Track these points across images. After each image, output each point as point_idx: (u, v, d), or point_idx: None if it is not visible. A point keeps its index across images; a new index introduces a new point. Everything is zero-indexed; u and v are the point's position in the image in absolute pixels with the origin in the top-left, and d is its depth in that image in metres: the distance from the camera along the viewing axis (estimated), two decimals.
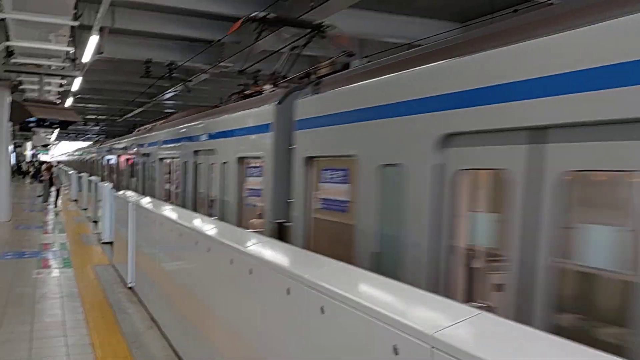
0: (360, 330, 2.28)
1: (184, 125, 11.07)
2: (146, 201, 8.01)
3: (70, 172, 29.95)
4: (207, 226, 5.00)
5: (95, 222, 15.72)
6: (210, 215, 8.33)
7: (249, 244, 3.81)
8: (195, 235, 4.78)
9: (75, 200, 24.15)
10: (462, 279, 3.81)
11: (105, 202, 12.66)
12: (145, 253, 7.23)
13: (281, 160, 6.38)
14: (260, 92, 8.37)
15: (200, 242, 4.60)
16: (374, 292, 2.61)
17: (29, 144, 58.06)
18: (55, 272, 9.29)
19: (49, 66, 13.46)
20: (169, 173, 12.45)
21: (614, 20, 2.75)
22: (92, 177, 19.49)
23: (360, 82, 5.06)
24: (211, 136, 9.08)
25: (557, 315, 3.02)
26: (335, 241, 5.43)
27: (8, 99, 15.73)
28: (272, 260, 3.34)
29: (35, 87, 15.67)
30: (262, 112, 7.00)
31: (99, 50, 12.12)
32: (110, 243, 11.56)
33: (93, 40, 10.95)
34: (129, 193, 9.62)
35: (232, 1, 12.89)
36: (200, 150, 9.68)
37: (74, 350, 5.59)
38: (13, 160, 55.05)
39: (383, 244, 4.52)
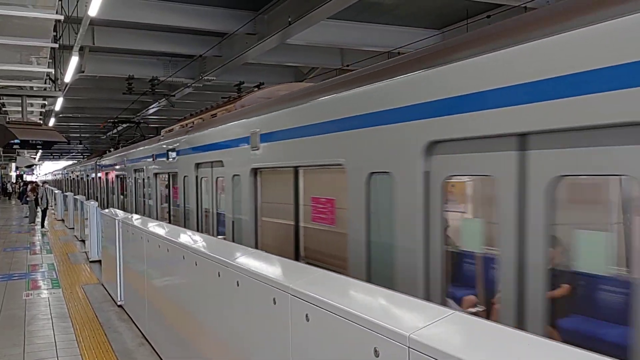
0: (343, 335, 2.36)
1: (80, 164, 35.22)
2: (133, 218, 8.05)
3: (56, 192, 30.02)
4: (193, 240, 5.06)
5: (83, 240, 15.65)
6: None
7: (235, 256, 3.88)
8: (182, 250, 4.83)
9: (62, 219, 24.01)
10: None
11: (92, 221, 12.64)
12: (134, 270, 7.26)
13: (97, 180, 23.73)
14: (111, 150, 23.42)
15: (187, 256, 4.66)
16: (355, 297, 2.70)
17: (13, 165, 57.51)
18: (45, 293, 9.26)
19: (31, 87, 13.45)
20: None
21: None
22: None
23: (110, 155, 21.46)
24: (81, 171, 30.97)
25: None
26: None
27: None
28: (258, 271, 3.36)
29: (18, 109, 15.62)
30: (93, 164, 24.88)
31: (80, 69, 12.16)
32: (99, 261, 11.54)
33: (74, 60, 10.98)
34: (115, 210, 9.64)
35: (212, 17, 13.00)
36: (72, 177, 36.12)
37: None
38: None
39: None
